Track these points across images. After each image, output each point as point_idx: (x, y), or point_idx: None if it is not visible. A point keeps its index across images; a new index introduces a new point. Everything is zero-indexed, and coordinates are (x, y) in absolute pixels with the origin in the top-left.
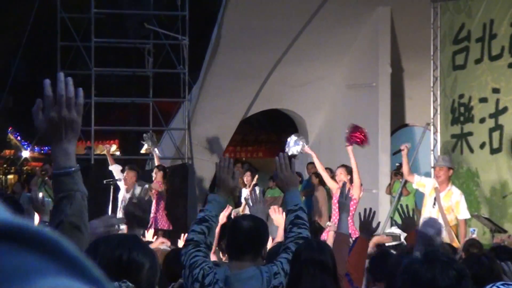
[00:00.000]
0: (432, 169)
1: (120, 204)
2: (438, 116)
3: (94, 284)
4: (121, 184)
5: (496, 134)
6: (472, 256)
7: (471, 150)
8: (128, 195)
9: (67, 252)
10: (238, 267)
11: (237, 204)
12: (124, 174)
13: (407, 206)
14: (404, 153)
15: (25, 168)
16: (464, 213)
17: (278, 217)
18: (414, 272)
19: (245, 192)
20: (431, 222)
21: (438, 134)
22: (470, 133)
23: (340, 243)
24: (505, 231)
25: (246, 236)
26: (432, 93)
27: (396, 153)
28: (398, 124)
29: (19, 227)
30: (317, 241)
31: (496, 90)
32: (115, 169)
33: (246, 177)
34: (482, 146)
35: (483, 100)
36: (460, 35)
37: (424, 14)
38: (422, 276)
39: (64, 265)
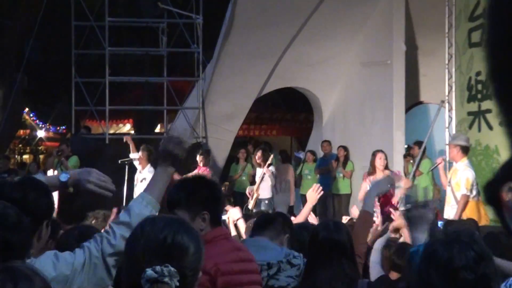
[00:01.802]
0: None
1: (136, 184)
2: (453, 93)
3: None
4: (137, 163)
5: None
6: (491, 235)
7: (490, 127)
8: (141, 175)
9: None
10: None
11: (251, 183)
12: (139, 153)
13: None
14: (441, 166)
15: (40, 148)
16: (462, 189)
17: (311, 195)
18: (432, 251)
19: (259, 172)
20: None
21: (453, 112)
22: (489, 110)
23: (363, 221)
24: None
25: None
26: (447, 70)
27: (433, 168)
28: (413, 101)
29: None
30: (333, 222)
31: None
32: (134, 156)
33: (258, 156)
34: (502, 123)
35: None
36: (476, 12)
37: None
38: (439, 256)
39: None
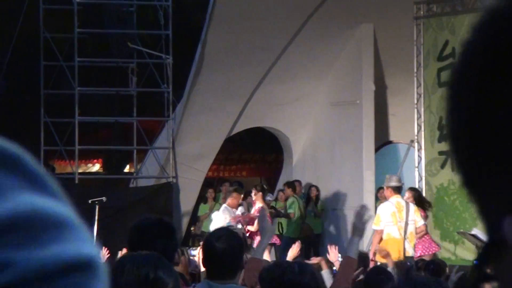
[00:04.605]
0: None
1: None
2: (422, 133)
3: (56, 200)
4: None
5: None
6: (464, 276)
7: None
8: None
9: (26, 165)
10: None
11: None
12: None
13: None
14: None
15: None
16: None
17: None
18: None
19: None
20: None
21: (423, 151)
22: None
23: (346, 266)
24: None
25: (222, 260)
26: (416, 110)
27: None
28: (382, 141)
29: None
30: (298, 263)
31: None
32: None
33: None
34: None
35: None
36: (444, 52)
37: (407, 31)
38: None
39: (25, 179)
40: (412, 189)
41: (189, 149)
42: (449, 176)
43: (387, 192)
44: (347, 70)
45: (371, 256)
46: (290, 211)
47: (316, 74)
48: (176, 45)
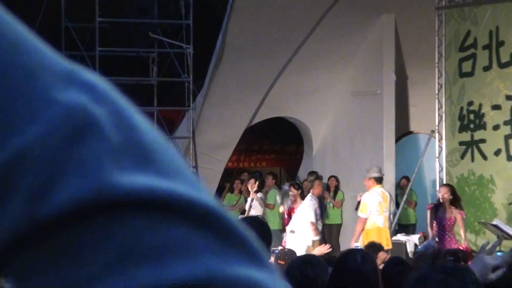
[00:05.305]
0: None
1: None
2: (443, 123)
3: (266, 271)
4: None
5: None
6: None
7: (484, 157)
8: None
9: (222, 222)
10: None
11: (241, 213)
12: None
13: None
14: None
15: None
16: (359, 212)
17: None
18: (423, 274)
19: (249, 200)
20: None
21: (444, 142)
22: (483, 140)
23: None
24: None
25: None
26: (437, 100)
27: (357, 207)
28: (403, 131)
29: (169, 194)
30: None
31: (510, 97)
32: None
33: (251, 185)
34: (497, 153)
35: (496, 107)
36: (466, 43)
37: (429, 22)
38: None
39: (217, 239)
40: (447, 185)
41: (209, 139)
42: (470, 167)
43: (368, 183)
44: (368, 61)
45: (352, 243)
46: (270, 202)
47: (337, 64)
48: (196, 35)
